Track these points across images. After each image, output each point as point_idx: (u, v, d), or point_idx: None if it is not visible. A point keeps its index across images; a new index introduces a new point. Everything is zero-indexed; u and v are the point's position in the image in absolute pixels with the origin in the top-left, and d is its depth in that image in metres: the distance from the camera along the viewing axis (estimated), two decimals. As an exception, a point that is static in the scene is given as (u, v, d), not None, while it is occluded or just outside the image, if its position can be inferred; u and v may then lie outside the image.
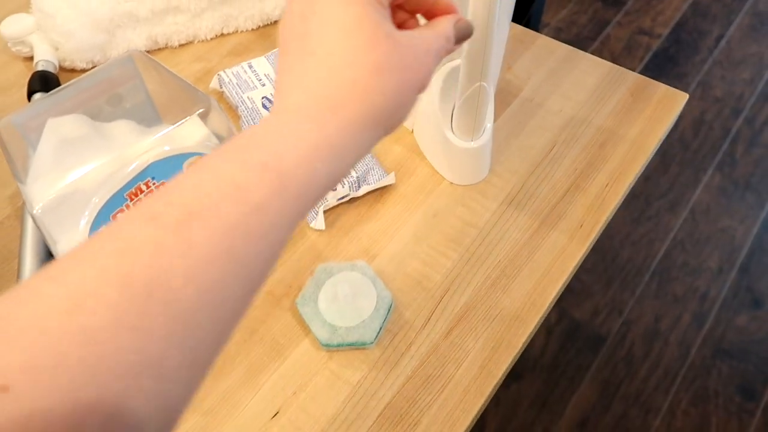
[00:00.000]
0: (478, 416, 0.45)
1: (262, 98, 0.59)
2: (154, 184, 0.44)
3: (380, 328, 0.47)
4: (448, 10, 0.34)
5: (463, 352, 0.47)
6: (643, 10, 1.96)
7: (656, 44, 1.86)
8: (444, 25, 0.33)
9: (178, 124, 0.46)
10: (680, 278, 1.42)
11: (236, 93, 0.60)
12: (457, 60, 0.50)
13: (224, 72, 0.62)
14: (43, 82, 0.60)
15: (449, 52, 0.33)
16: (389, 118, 0.29)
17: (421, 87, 0.30)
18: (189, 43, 0.68)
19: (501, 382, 0.46)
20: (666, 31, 1.89)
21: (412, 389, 0.46)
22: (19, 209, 0.57)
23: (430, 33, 0.31)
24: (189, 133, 0.46)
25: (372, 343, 0.46)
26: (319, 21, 0.28)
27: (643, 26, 1.92)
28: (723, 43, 1.85)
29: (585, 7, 1.98)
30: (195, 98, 0.47)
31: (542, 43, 0.66)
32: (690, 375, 1.28)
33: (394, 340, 0.48)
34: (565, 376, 1.29)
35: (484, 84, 0.46)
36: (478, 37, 0.42)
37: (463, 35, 0.34)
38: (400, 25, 0.35)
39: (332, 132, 0.26)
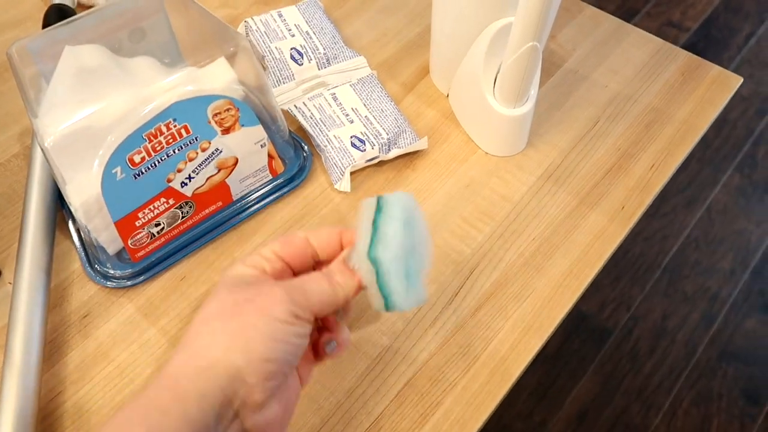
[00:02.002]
0: (504, 399, 0.42)
1: (291, 49, 0.56)
2: (175, 125, 0.40)
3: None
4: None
5: (492, 332, 0.44)
6: (674, 2, 1.91)
7: (684, 38, 1.81)
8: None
9: (204, 64, 0.42)
10: (691, 277, 1.39)
11: (264, 42, 0.56)
12: (509, 18, 0.46)
13: (252, 19, 0.58)
14: (60, 16, 0.57)
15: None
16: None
17: None
18: (215, -13, 0.65)
19: (529, 366, 0.43)
20: (695, 26, 1.84)
21: (436, 367, 0.43)
22: (28, 148, 0.54)
23: (299, 277, 0.31)
24: (215, 74, 0.43)
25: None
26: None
27: (672, 18, 1.86)
28: (753, 41, 1.80)
29: (614, -6, 1.93)
30: (224, 37, 0.43)
31: (589, 13, 0.62)
32: (694, 375, 1.26)
33: (419, 313, 0.45)
34: (567, 367, 1.27)
35: (537, 44, 0.43)
36: (539, -10, 0.38)
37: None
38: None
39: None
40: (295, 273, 0.33)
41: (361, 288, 0.32)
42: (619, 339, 1.30)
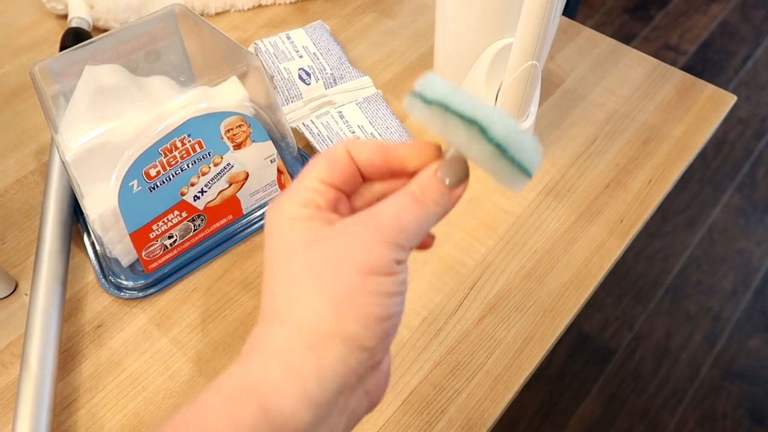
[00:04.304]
0: (507, 408, 0.43)
1: (299, 69, 0.58)
2: (189, 141, 0.42)
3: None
4: (420, 162, 0.27)
5: (494, 342, 0.45)
6: (671, 26, 1.95)
7: (682, 61, 1.84)
8: (406, 187, 0.26)
9: (217, 83, 0.44)
10: (694, 296, 1.39)
11: (273, 63, 0.58)
12: (509, 38, 0.48)
13: (261, 41, 0.61)
14: (76, 39, 0.59)
15: (435, 208, 0.25)
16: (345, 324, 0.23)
17: (372, 271, 0.24)
18: (226, 11, 0.67)
19: (532, 374, 0.44)
20: (693, 49, 1.88)
21: (440, 376, 0.44)
22: (44, 165, 0.55)
23: (382, 206, 0.25)
24: (227, 93, 0.44)
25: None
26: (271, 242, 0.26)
27: (669, 42, 1.90)
28: (750, 64, 1.83)
29: (612, 19, 1.97)
30: (236, 57, 0.45)
31: (587, 35, 0.65)
32: (699, 395, 1.26)
33: (423, 323, 0.46)
34: (570, 387, 1.26)
35: (536, 63, 0.44)
36: (536, 11, 0.40)
37: (456, 176, 0.26)
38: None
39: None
40: (348, 196, 0.27)
41: (456, 202, 0.27)
42: (623, 359, 1.30)
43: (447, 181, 0.26)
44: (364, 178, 0.27)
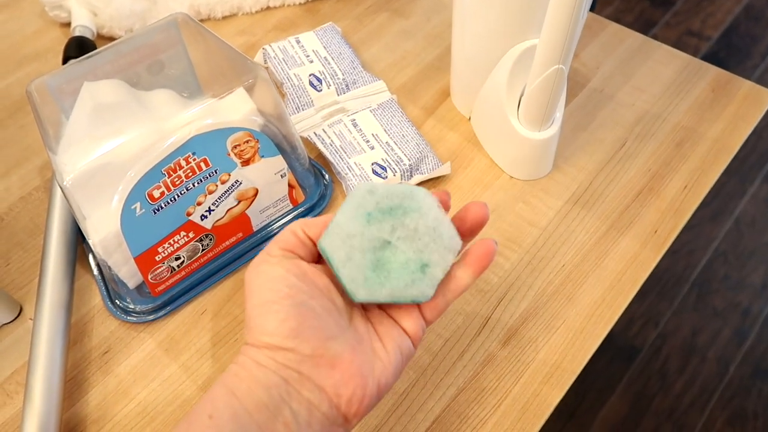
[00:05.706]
0: None
1: (310, 75, 0.55)
2: (194, 159, 0.40)
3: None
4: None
5: (522, 365, 0.42)
6: (693, 11, 1.88)
7: (705, 47, 1.78)
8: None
9: (223, 95, 0.41)
10: (721, 291, 1.35)
11: (282, 69, 0.56)
12: (533, 40, 0.45)
13: (270, 46, 0.58)
14: (80, 48, 0.57)
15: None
16: None
17: None
18: (233, 15, 0.64)
19: (561, 399, 0.42)
20: (716, 34, 1.81)
21: (465, 403, 0.41)
22: (49, 181, 0.53)
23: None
24: (234, 106, 0.42)
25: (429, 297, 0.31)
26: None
27: (692, 28, 1.84)
28: (776, 48, 1.77)
29: (631, 6, 1.91)
30: (242, 68, 0.43)
31: (612, 30, 0.61)
32: (728, 394, 1.22)
33: (445, 346, 0.43)
34: (594, 387, 1.23)
35: (563, 67, 0.41)
36: (563, 10, 0.37)
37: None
38: None
39: None
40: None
41: None
42: (648, 357, 1.27)
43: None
44: None
